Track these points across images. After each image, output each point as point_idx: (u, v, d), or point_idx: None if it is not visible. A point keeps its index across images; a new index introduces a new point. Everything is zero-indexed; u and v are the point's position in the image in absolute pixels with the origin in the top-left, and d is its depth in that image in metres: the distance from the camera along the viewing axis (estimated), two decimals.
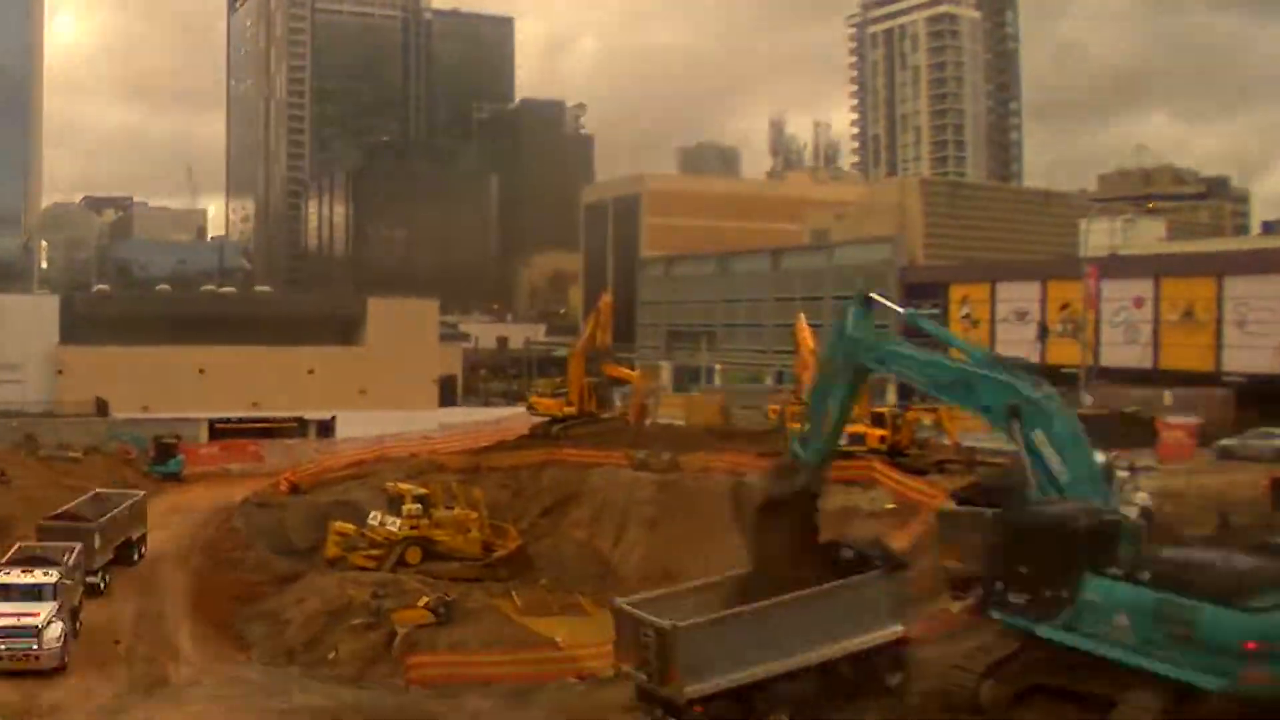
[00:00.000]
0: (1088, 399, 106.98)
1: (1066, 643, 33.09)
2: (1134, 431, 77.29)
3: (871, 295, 44.27)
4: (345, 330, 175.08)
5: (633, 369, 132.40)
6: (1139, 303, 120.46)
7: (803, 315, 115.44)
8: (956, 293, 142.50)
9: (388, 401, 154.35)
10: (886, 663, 41.40)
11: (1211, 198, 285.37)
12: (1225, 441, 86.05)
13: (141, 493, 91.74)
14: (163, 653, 61.90)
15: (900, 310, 41.56)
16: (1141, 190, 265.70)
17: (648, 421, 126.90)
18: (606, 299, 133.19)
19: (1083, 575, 33.01)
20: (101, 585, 70.63)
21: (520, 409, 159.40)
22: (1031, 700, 34.45)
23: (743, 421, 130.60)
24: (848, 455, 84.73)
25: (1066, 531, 34.00)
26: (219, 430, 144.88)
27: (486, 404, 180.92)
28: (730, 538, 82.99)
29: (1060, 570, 33.46)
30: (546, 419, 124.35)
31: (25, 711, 50.78)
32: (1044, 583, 33.67)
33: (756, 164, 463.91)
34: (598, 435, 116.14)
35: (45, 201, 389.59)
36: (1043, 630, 33.47)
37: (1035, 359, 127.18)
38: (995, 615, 36.28)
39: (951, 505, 57.53)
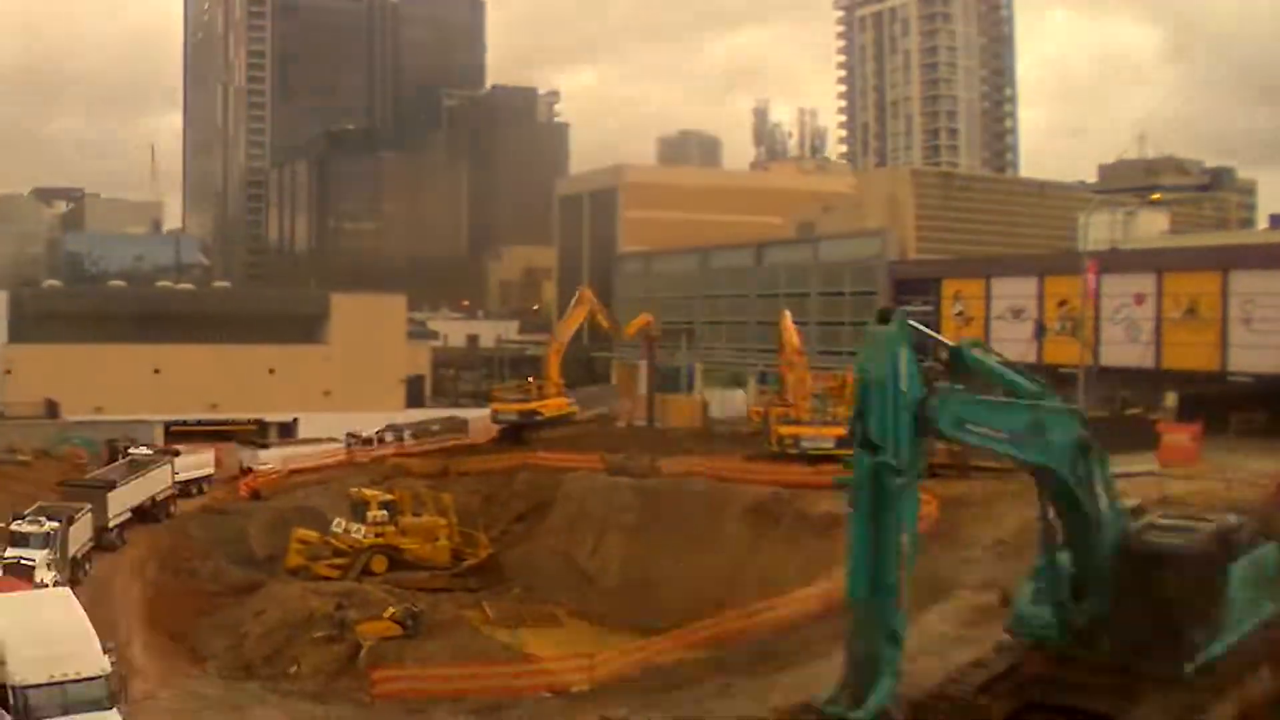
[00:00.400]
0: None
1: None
2: (1135, 434, 77.38)
3: (911, 323, 36.21)
4: (308, 328, 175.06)
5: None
6: (1140, 299, 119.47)
7: (787, 312, 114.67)
8: (949, 289, 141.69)
9: (352, 402, 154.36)
10: None
11: (1216, 189, 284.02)
12: None
13: (169, 458, 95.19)
14: (116, 666, 61.99)
15: (946, 342, 35.48)
16: (1143, 181, 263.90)
17: (634, 419, 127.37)
18: (586, 291, 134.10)
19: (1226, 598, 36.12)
20: (120, 541, 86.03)
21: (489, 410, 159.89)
22: (1028, 718, 35.51)
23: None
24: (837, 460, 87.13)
25: (1214, 556, 36.43)
26: (175, 433, 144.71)
27: (456, 405, 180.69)
28: (713, 546, 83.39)
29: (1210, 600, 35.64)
30: (510, 420, 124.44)
31: None
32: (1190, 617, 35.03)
33: (740, 154, 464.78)
34: (570, 437, 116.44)
35: None
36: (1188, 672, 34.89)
37: (1032, 359, 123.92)
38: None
39: None
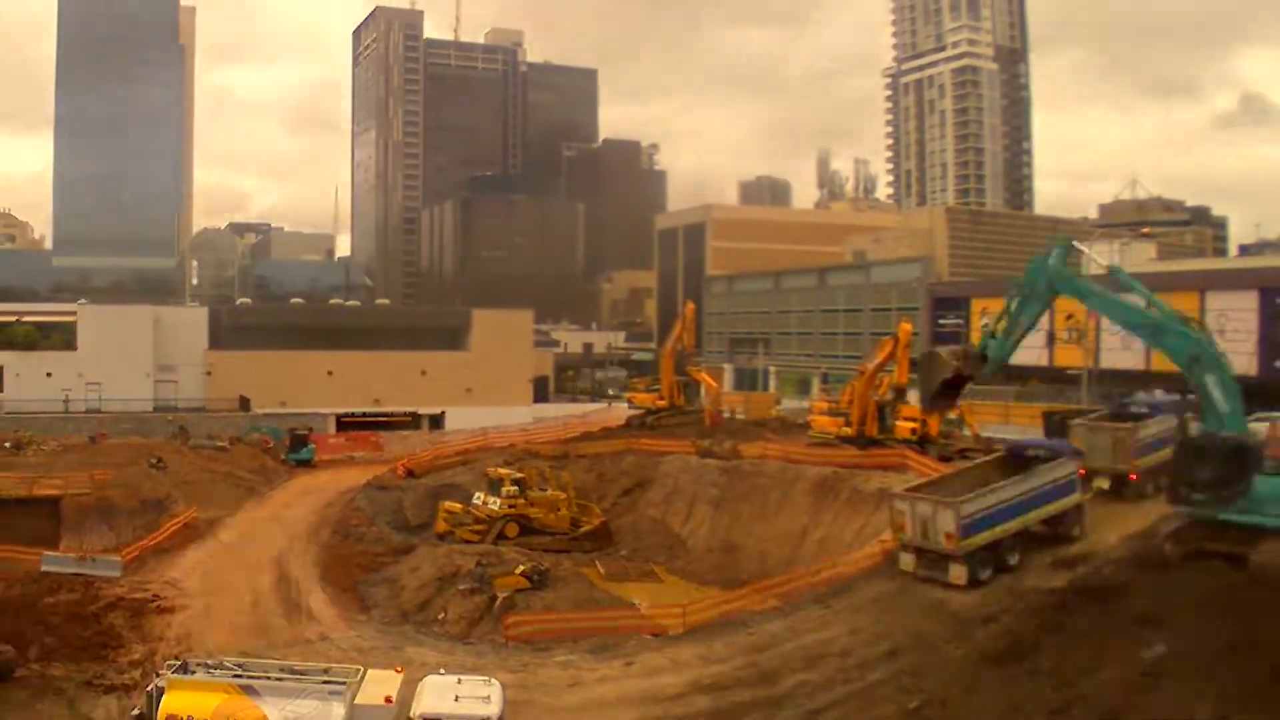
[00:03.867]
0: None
1: (1245, 522, 42.97)
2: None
3: (1074, 243, 57.69)
4: (453, 337, 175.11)
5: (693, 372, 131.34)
6: None
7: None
8: (977, 305, 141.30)
9: (489, 398, 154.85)
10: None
11: (1195, 224, 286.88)
12: None
13: None
14: (297, 613, 62.50)
15: (1102, 262, 45.44)
16: (1135, 218, 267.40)
17: (724, 415, 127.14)
18: (690, 306, 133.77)
19: (1252, 476, 43.02)
20: None
21: (602, 405, 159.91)
22: (1194, 559, 42.98)
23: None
24: (880, 444, 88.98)
25: (1244, 448, 44.67)
26: (345, 423, 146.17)
27: (574, 400, 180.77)
28: (783, 516, 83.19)
29: (1237, 473, 43.16)
30: (642, 410, 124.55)
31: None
32: (1223, 483, 43.23)
33: (805, 195, 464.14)
34: (684, 425, 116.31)
35: (196, 227, 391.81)
36: (1225, 514, 43.40)
37: (1044, 363, 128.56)
38: (1183, 509, 46.46)
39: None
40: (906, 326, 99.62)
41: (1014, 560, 53.78)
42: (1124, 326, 44.82)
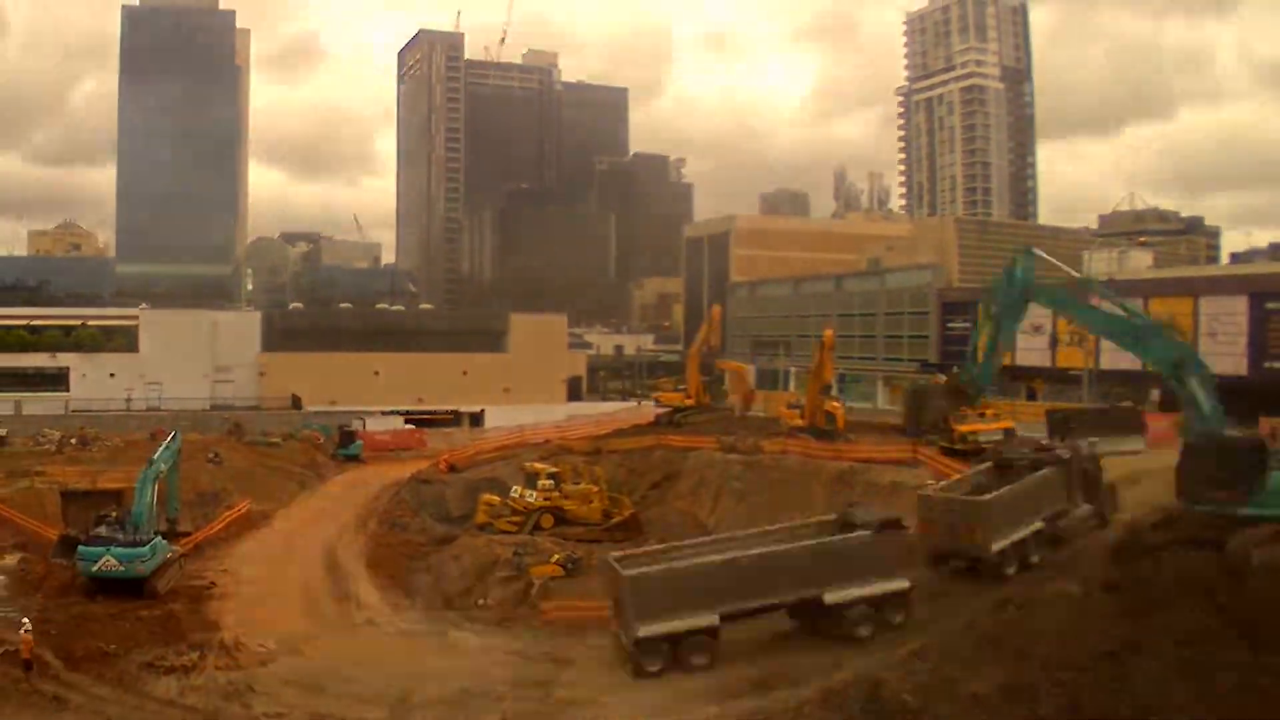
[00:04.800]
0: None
1: (1263, 516, 41.78)
2: (1127, 422, 77.07)
3: (1034, 250, 55.61)
4: (492, 340, 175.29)
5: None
6: None
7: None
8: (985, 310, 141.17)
9: (526, 397, 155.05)
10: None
11: (1189, 233, 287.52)
12: None
13: None
14: (346, 599, 62.71)
15: (1073, 272, 44.70)
16: (1133, 227, 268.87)
17: (751, 409, 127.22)
18: (717, 309, 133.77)
19: (1267, 473, 42.65)
20: None
21: (632, 403, 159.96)
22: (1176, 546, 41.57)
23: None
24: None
25: (1259, 447, 44.69)
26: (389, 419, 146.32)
27: (605, 399, 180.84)
28: (802, 507, 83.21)
29: (1254, 471, 42.75)
30: (669, 409, 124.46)
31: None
32: (1242, 480, 42.54)
33: (823, 206, 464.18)
34: (710, 422, 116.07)
35: (250, 237, 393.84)
36: (1243, 511, 42.25)
37: (1048, 364, 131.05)
38: (1199, 508, 44.50)
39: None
40: (829, 333, 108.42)
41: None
42: (1105, 334, 44.13)
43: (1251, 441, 45.48)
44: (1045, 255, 56.52)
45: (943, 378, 64.39)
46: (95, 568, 54.31)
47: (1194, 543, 40.66)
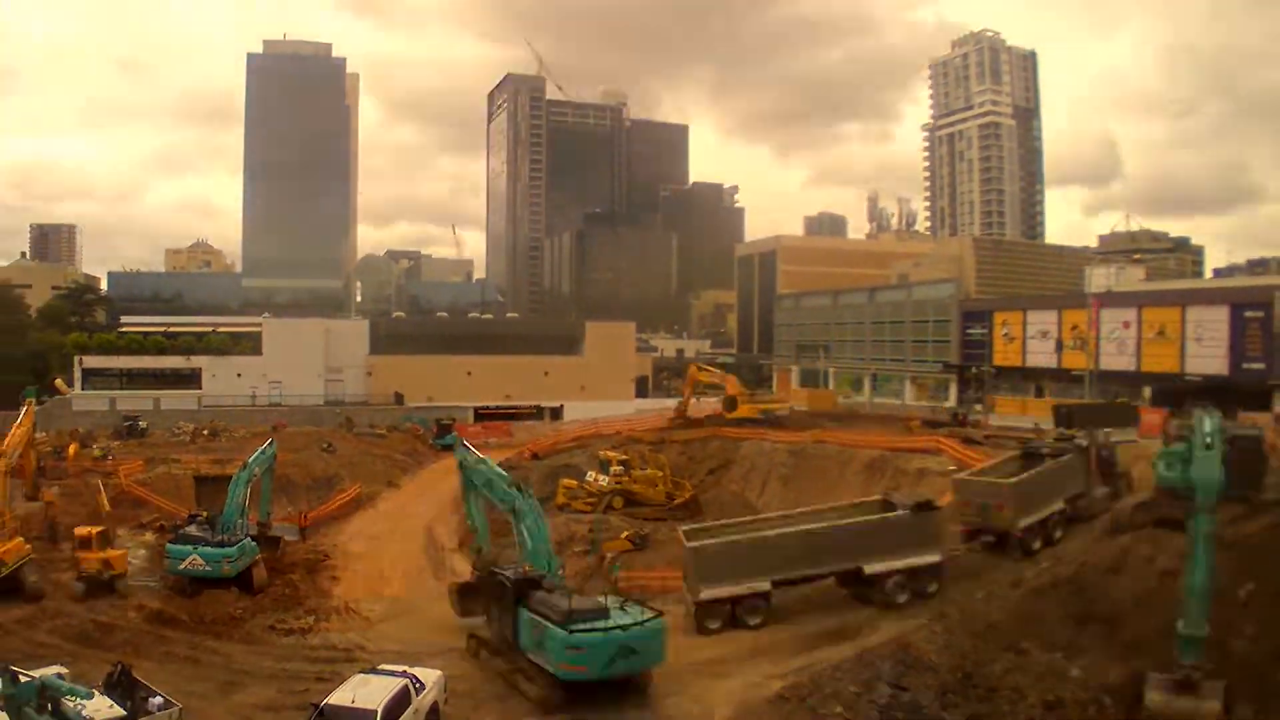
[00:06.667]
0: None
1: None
2: (1123, 415, 76.54)
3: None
4: (569, 345, 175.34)
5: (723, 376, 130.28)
6: (1127, 325, 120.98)
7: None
8: (999, 318, 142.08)
9: (599, 394, 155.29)
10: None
11: (1177, 252, 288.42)
12: None
13: None
14: (442, 570, 62.85)
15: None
16: (1128, 246, 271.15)
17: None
18: (693, 368, 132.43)
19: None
20: None
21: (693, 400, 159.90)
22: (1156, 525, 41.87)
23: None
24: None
25: (1259, 441, 44.28)
26: (481, 414, 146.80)
27: (668, 396, 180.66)
28: (839, 489, 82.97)
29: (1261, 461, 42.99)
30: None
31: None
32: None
33: (858, 228, 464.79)
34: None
35: (359, 254, 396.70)
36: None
37: (1054, 365, 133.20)
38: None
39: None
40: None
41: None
42: None
43: (1252, 436, 44.45)
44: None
45: None
46: (182, 565, 52.64)
47: (1167, 522, 40.49)
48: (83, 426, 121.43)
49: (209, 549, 53.14)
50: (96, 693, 29.25)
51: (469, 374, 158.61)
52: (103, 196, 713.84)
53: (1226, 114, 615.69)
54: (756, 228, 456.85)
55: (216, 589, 52.59)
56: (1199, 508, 32.39)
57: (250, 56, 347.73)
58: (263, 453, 61.94)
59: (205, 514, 57.12)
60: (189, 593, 52.22)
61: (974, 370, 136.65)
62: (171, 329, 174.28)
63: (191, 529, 54.91)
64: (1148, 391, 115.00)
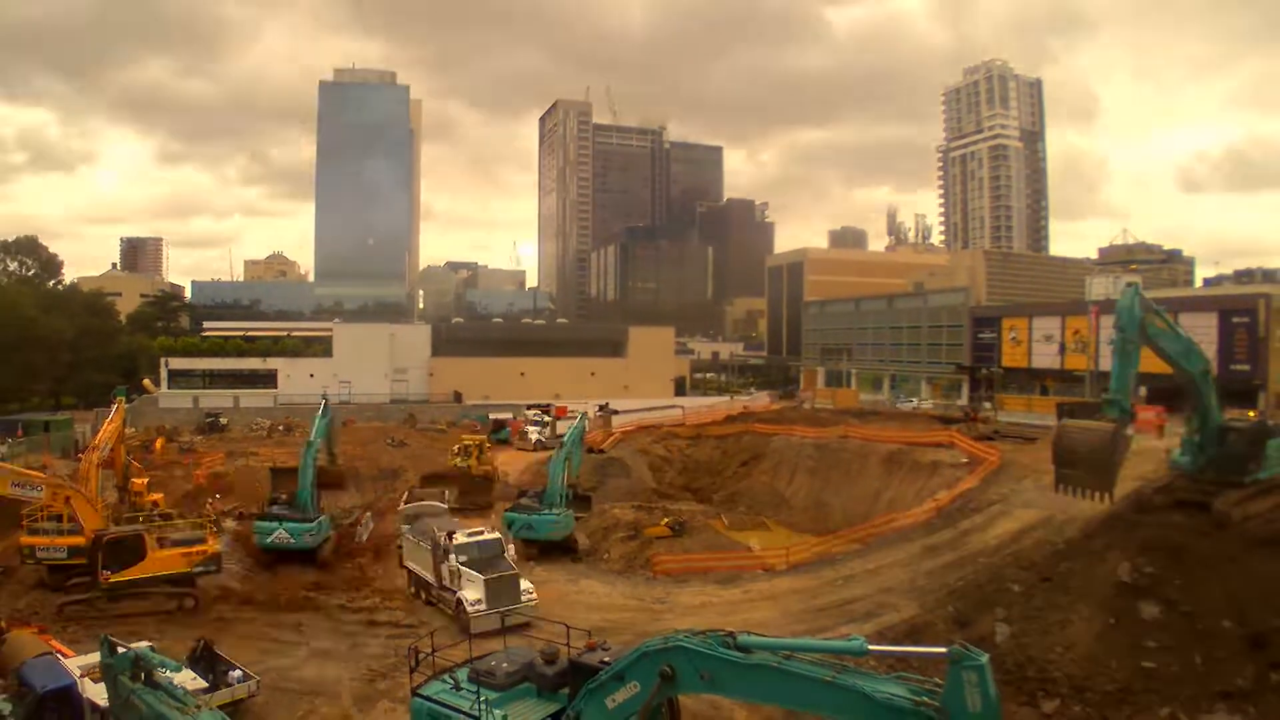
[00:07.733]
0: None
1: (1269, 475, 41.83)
2: None
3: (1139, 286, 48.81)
4: (614, 347, 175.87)
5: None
6: None
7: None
8: (1007, 324, 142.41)
9: (641, 393, 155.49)
10: None
11: (1170, 262, 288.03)
12: None
13: None
14: None
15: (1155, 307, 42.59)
16: (1126, 258, 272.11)
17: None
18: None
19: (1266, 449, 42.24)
20: None
21: (725, 398, 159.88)
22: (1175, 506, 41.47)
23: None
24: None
25: (1266, 427, 44.77)
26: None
27: (705, 395, 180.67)
28: (861, 481, 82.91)
29: (1262, 445, 42.39)
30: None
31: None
32: (1255, 452, 42.12)
33: (878, 240, 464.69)
34: (775, 414, 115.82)
35: (422, 265, 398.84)
36: (1257, 475, 41.68)
37: (1057, 366, 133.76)
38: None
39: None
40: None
41: None
42: (1170, 349, 44.04)
43: (1258, 424, 45.95)
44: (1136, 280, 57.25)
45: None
46: (270, 540, 54.35)
47: (1187, 504, 40.91)
48: (168, 423, 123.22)
49: (293, 524, 54.60)
50: (183, 666, 29.75)
51: (522, 374, 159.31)
52: (189, 212, 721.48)
53: None
54: (786, 239, 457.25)
55: (292, 563, 54.14)
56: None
57: (322, 84, 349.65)
58: (322, 416, 61.07)
59: (284, 495, 57.73)
60: (270, 563, 54.04)
61: (984, 371, 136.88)
62: (249, 333, 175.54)
63: (275, 508, 55.94)
64: (1144, 390, 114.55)
